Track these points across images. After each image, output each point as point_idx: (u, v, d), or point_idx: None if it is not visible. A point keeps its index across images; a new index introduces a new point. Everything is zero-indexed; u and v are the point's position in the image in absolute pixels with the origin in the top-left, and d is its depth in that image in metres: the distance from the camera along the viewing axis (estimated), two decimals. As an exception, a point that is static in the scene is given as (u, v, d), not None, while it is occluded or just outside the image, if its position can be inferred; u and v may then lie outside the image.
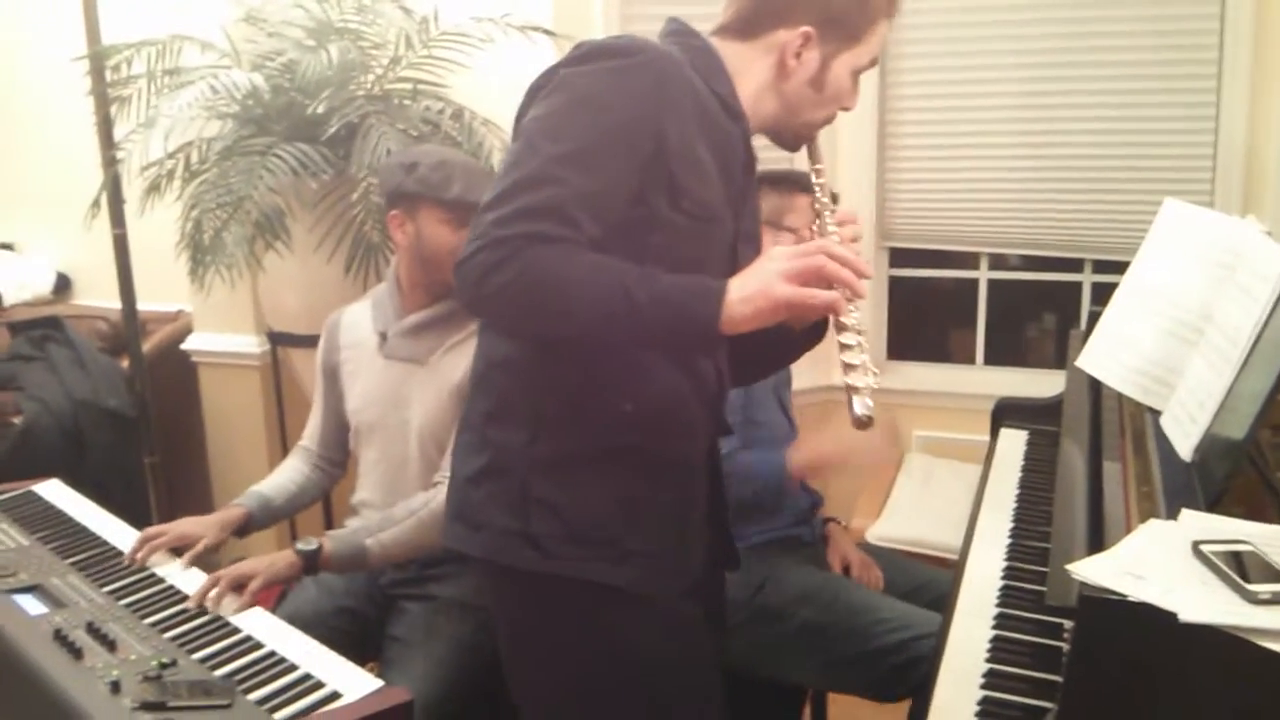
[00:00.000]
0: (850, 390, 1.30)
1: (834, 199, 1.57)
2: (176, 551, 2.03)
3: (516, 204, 1.29)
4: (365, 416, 2.26)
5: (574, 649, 1.50)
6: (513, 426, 1.47)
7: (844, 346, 1.33)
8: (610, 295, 1.29)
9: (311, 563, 1.97)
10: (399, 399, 2.21)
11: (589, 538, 1.46)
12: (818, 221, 1.52)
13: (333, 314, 2.38)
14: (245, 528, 2.21)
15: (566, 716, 1.56)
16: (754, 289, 1.30)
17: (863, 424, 1.27)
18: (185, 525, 2.09)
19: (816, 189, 1.55)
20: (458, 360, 2.15)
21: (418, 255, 2.17)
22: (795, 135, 1.58)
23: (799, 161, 1.74)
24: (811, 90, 1.52)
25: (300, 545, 1.98)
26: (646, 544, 1.49)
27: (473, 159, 2.25)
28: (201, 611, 1.81)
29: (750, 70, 1.51)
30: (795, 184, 2.16)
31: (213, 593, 1.83)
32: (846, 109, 1.58)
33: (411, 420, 2.19)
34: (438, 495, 2.08)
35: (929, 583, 2.23)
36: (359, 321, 2.31)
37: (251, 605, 1.83)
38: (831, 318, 1.34)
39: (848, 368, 1.31)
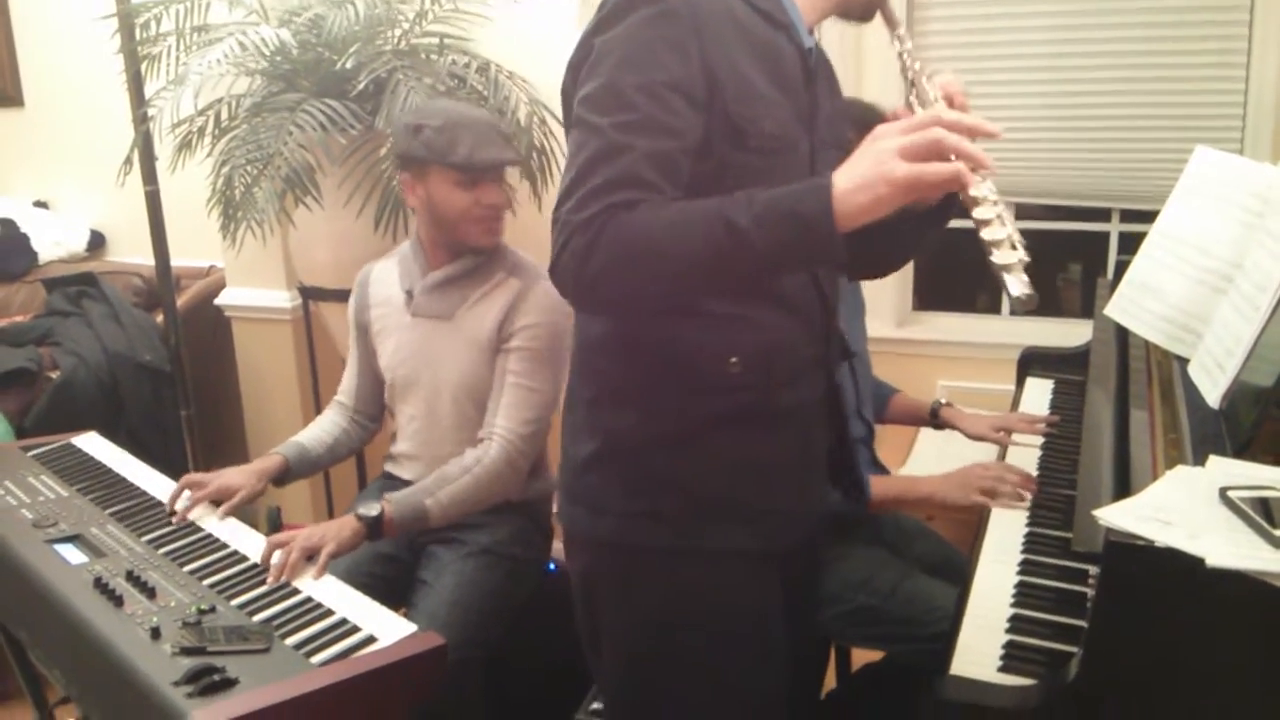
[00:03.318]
0: (1000, 270, 1.19)
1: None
2: (214, 501, 2.07)
3: (591, 183, 1.25)
4: (399, 373, 2.29)
5: (697, 617, 1.47)
6: (621, 408, 1.44)
7: (981, 223, 1.20)
8: (712, 233, 1.22)
9: (375, 528, 1.99)
10: (430, 355, 2.23)
11: (717, 507, 1.44)
12: (914, 93, 1.40)
13: (361, 270, 2.40)
14: (283, 477, 2.24)
15: (682, 690, 1.50)
16: (868, 174, 1.18)
17: (1024, 304, 1.17)
18: (226, 477, 2.12)
19: (905, 55, 1.44)
20: (484, 314, 2.17)
21: (432, 216, 2.18)
22: (866, 3, 1.49)
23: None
24: None
25: (363, 511, 1.99)
26: (774, 501, 1.47)
27: (483, 113, 2.22)
28: (239, 559, 1.84)
29: None
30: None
31: (289, 563, 1.81)
32: None
33: (444, 376, 2.21)
34: (490, 451, 2.11)
35: (959, 560, 2.22)
36: (387, 278, 2.33)
37: (323, 574, 1.82)
38: (960, 194, 1.22)
39: (991, 245, 1.20)
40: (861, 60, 3.04)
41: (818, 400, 1.52)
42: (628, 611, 1.50)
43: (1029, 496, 1.89)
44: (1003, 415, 2.26)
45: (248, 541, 1.92)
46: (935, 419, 2.35)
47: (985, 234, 1.20)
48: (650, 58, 1.28)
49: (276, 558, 1.82)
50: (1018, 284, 1.17)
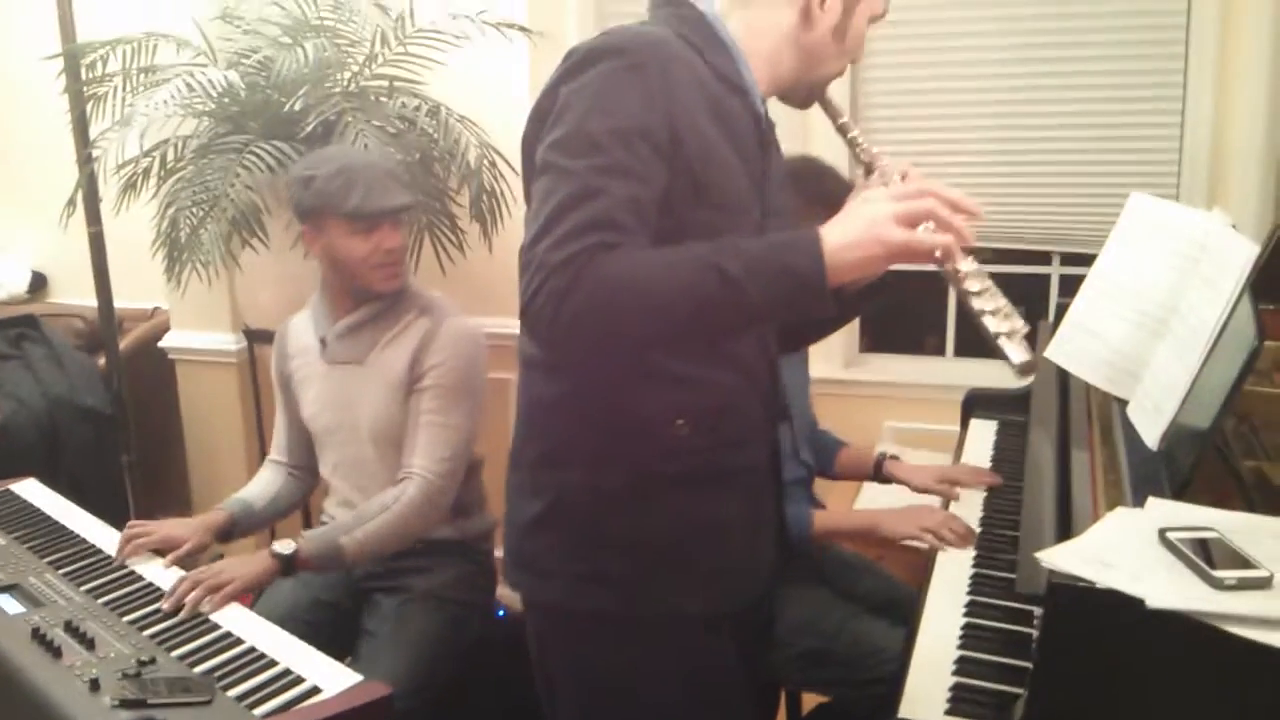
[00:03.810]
0: (998, 339, 1.21)
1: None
2: (158, 552, 2.04)
3: (567, 225, 1.23)
4: (320, 422, 2.28)
5: (652, 682, 1.45)
6: (567, 467, 1.43)
7: (972, 295, 1.23)
8: (701, 278, 1.21)
9: (288, 565, 1.98)
10: (347, 401, 2.23)
11: (665, 568, 1.43)
12: (876, 170, 1.44)
13: (280, 325, 2.40)
14: (229, 532, 2.21)
15: None
16: (861, 234, 1.21)
17: (1026, 371, 1.20)
18: (170, 528, 2.09)
19: (856, 142, 1.48)
20: (395, 355, 2.17)
21: (334, 265, 2.18)
22: (809, 91, 1.51)
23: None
24: (834, 41, 1.45)
25: (277, 548, 1.98)
26: (724, 560, 1.46)
27: (375, 158, 2.22)
28: (180, 609, 1.82)
29: (769, 24, 1.44)
30: (827, 204, 2.06)
31: (190, 596, 1.82)
32: (856, 62, 1.52)
33: (362, 420, 2.21)
34: (408, 490, 2.10)
35: (904, 598, 2.23)
36: (302, 329, 2.34)
37: (225, 606, 1.82)
38: (947, 270, 1.25)
39: (987, 315, 1.22)
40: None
41: (764, 459, 1.53)
42: (578, 676, 1.50)
43: (969, 542, 1.90)
44: (947, 467, 2.27)
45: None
46: (879, 473, 2.35)
47: (980, 303, 1.23)
48: (619, 105, 1.28)
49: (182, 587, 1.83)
50: (1019, 351, 1.20)
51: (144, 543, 2.02)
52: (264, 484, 2.38)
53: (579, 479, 1.42)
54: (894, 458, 2.36)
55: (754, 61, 1.45)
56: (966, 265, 1.24)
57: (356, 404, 2.22)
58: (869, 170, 1.46)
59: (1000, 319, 1.22)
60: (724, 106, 1.38)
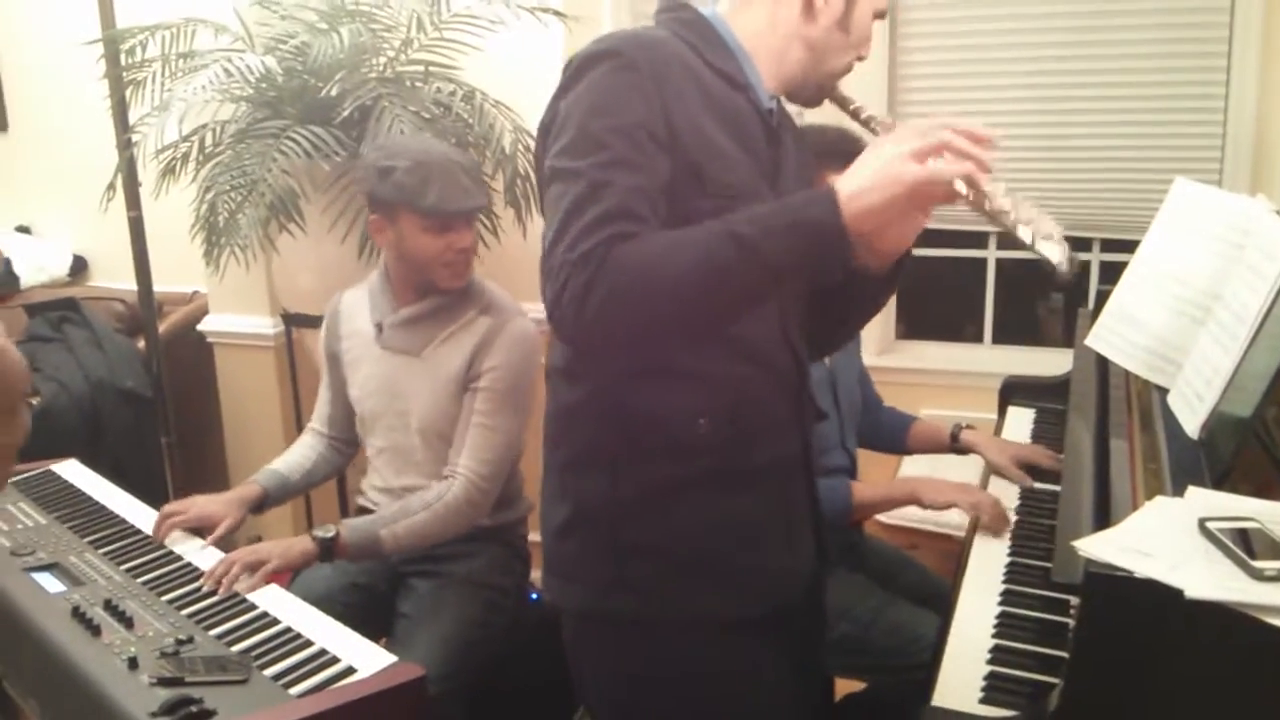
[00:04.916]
0: (1035, 241, 1.21)
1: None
2: (195, 531, 2.06)
3: (582, 221, 1.24)
4: (367, 406, 2.29)
5: (683, 686, 1.45)
6: (591, 473, 1.43)
7: (1004, 213, 1.22)
8: (717, 247, 1.22)
9: (327, 550, 2.00)
10: (397, 390, 2.23)
11: (689, 571, 1.42)
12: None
13: (332, 299, 2.40)
14: (261, 505, 2.23)
15: None
16: (878, 176, 1.20)
17: (1068, 267, 1.20)
18: (204, 505, 2.11)
19: (871, 123, 1.46)
20: (452, 353, 2.17)
21: (401, 258, 2.17)
22: (818, 87, 1.50)
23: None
24: (839, 32, 1.44)
25: (317, 533, 2.00)
26: (751, 561, 1.45)
27: (453, 153, 2.20)
28: (218, 587, 1.84)
29: (772, 21, 1.44)
30: (834, 159, 1.91)
31: (229, 575, 1.85)
32: (863, 57, 1.50)
33: (412, 411, 2.21)
34: (452, 488, 2.10)
35: (941, 590, 2.21)
36: (357, 309, 2.33)
37: (262, 585, 1.86)
38: (974, 199, 1.23)
39: (1024, 224, 1.21)
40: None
41: (794, 457, 1.51)
42: (611, 679, 1.50)
43: (1008, 527, 1.88)
44: (1023, 447, 2.22)
45: (227, 570, 1.91)
46: (955, 443, 2.33)
47: (1019, 214, 1.22)
48: (616, 102, 1.29)
49: (220, 566, 1.86)
50: (1057, 250, 1.20)
51: (178, 521, 2.05)
52: (301, 453, 2.39)
53: (601, 485, 1.42)
54: (969, 427, 2.32)
55: (760, 59, 1.45)
56: (991, 187, 1.23)
57: (407, 394, 2.22)
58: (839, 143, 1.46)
59: (1042, 223, 1.21)
60: (724, 102, 1.38)
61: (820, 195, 1.22)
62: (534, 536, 2.45)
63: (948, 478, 2.09)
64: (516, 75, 3.03)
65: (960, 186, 1.22)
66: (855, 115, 1.48)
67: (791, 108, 1.56)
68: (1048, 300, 3.69)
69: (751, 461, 1.43)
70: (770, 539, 1.47)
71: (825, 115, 1.67)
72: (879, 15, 1.48)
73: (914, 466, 2.85)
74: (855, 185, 1.21)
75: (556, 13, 2.88)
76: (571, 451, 1.46)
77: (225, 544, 2.06)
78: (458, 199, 2.09)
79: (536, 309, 2.51)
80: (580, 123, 1.30)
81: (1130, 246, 2.04)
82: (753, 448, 1.43)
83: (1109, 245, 3.07)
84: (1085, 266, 3.12)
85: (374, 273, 2.33)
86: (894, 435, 2.40)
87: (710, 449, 1.39)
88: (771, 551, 1.47)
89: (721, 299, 1.26)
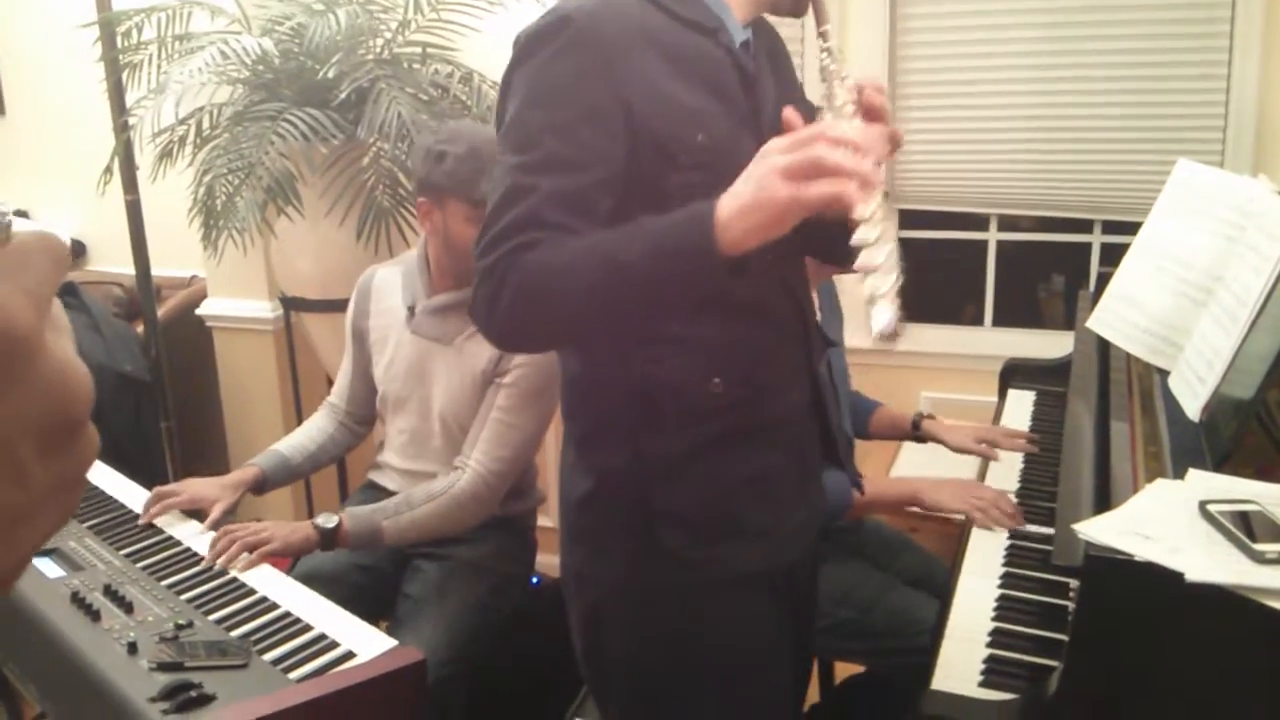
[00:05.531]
0: (868, 302, 1.16)
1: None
2: (191, 513, 2.06)
3: (495, 229, 1.25)
4: (391, 387, 2.27)
5: (708, 645, 1.45)
6: (610, 446, 1.42)
7: (858, 248, 1.15)
8: (599, 271, 1.21)
9: (329, 539, 1.99)
10: (424, 375, 2.22)
11: (719, 531, 1.42)
12: (826, 91, 1.32)
13: (364, 274, 2.37)
14: (260, 486, 2.23)
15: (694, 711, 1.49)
16: (750, 198, 1.14)
17: (885, 338, 1.15)
18: (197, 487, 2.12)
19: (824, 54, 1.34)
20: (482, 346, 2.14)
21: (444, 244, 2.15)
22: None
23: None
24: None
25: (320, 521, 1.99)
26: (775, 515, 1.45)
27: None
28: (218, 573, 1.84)
29: None
30: None
31: (226, 554, 1.86)
32: None
33: (434, 398, 2.20)
34: (460, 481, 2.09)
35: (941, 573, 2.21)
36: (389, 288, 2.30)
37: (260, 564, 1.86)
38: (846, 218, 1.16)
39: (865, 272, 1.15)
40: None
41: (805, 404, 1.50)
42: (638, 646, 1.48)
43: (1014, 526, 1.87)
44: (985, 427, 2.25)
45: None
46: (917, 431, 2.34)
47: (862, 259, 1.15)
48: (554, 94, 1.27)
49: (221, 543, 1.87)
50: (881, 317, 1.14)
51: (172, 503, 2.05)
52: (307, 434, 2.38)
53: (622, 455, 1.41)
54: (930, 417, 2.33)
55: None
56: (861, 212, 1.14)
57: (434, 381, 2.21)
58: (824, 83, 1.33)
59: (879, 276, 1.15)
60: (690, 54, 1.33)
61: (698, 218, 1.17)
62: (542, 522, 2.46)
63: (949, 470, 2.09)
64: (515, 57, 3.01)
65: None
66: (821, 36, 1.36)
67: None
68: (1048, 283, 3.68)
69: (767, 415, 1.42)
70: (786, 491, 1.47)
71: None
72: None
73: (914, 454, 2.85)
74: (733, 206, 1.15)
75: (555, -6, 2.86)
76: (588, 424, 1.45)
77: (221, 525, 2.06)
78: None
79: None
80: (517, 112, 1.29)
81: (1132, 228, 2.04)
82: (767, 401, 1.42)
83: (1110, 227, 3.06)
84: (1086, 248, 3.11)
85: (411, 253, 2.30)
86: (857, 420, 2.40)
87: (727, 408, 1.38)
88: (788, 504, 1.48)
89: (613, 315, 1.27)
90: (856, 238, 1.15)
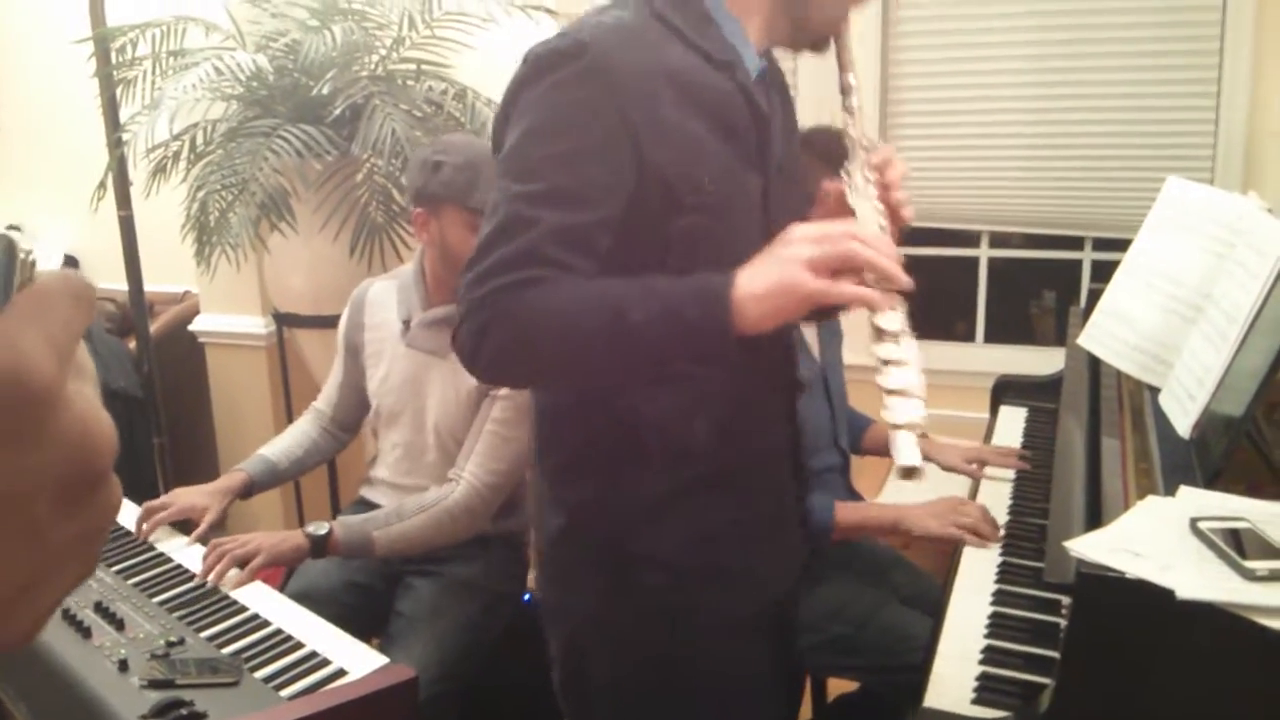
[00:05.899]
0: (892, 428, 1.12)
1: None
2: (182, 527, 2.05)
3: (490, 259, 1.20)
4: (386, 401, 2.27)
5: (686, 686, 1.42)
6: (584, 481, 1.39)
7: (881, 361, 1.14)
8: (602, 323, 1.17)
9: (319, 548, 1.98)
10: (418, 389, 2.21)
11: (695, 575, 1.39)
12: (848, 165, 1.31)
13: (359, 287, 2.37)
14: (248, 491, 2.22)
15: None
16: (773, 283, 1.12)
17: (907, 476, 1.12)
18: (186, 496, 2.11)
19: (846, 113, 1.34)
20: None
21: (441, 255, 2.15)
22: (817, 33, 1.37)
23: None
24: None
25: (310, 529, 1.98)
26: (750, 560, 1.42)
27: None
28: (209, 590, 1.83)
29: None
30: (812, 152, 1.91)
31: (216, 568, 1.85)
32: (858, 2, 1.37)
33: (429, 411, 2.20)
34: (453, 493, 2.08)
35: (933, 590, 2.21)
36: (384, 301, 2.30)
37: (251, 580, 1.85)
38: (870, 322, 1.17)
39: (886, 391, 1.13)
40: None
41: (785, 448, 1.49)
42: (623, 671, 1.46)
43: (999, 538, 1.86)
44: (975, 446, 2.26)
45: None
46: None
47: (884, 379, 1.14)
48: (562, 125, 1.22)
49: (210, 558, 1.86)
50: (907, 450, 1.11)
51: (162, 518, 2.05)
52: (294, 439, 2.37)
53: (596, 493, 1.38)
54: (923, 435, 2.33)
55: (749, 20, 1.34)
56: (888, 323, 1.15)
57: (428, 395, 2.20)
58: (846, 148, 1.34)
59: (902, 404, 1.13)
60: (702, 88, 1.28)
61: (715, 295, 1.15)
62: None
63: (939, 487, 2.08)
64: (508, 73, 3.02)
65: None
66: (843, 91, 1.37)
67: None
68: (1040, 299, 3.69)
69: (746, 462, 1.40)
70: (765, 534, 1.45)
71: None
72: None
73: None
74: (751, 288, 1.14)
75: (548, 10, 2.88)
76: (563, 457, 1.42)
77: (216, 535, 2.05)
78: None
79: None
80: (521, 139, 1.23)
81: (1122, 245, 2.05)
82: (747, 448, 1.40)
83: (1101, 244, 3.07)
84: (1077, 265, 3.12)
85: (406, 267, 2.30)
86: (851, 436, 2.40)
87: (706, 453, 1.35)
88: (767, 546, 1.46)
89: (605, 369, 1.24)
90: (883, 352, 1.15)
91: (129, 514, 2.13)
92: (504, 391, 2.12)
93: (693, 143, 1.27)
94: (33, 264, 0.39)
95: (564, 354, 1.21)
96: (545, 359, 1.22)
